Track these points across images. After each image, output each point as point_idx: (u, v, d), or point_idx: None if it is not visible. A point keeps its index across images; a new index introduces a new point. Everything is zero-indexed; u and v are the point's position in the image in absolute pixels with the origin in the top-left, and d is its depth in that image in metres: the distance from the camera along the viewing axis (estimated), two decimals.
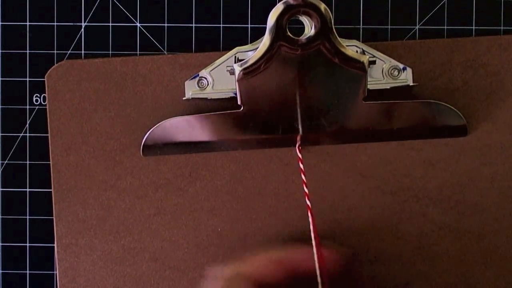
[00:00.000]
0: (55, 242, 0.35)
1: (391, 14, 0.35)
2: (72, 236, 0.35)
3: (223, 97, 0.33)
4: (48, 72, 0.35)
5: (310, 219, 0.33)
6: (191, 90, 0.34)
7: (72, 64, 0.35)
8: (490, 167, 0.35)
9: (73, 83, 0.35)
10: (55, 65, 0.35)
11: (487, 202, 0.35)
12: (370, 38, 0.35)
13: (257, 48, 0.32)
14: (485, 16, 0.35)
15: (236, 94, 0.33)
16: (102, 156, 0.35)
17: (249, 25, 0.36)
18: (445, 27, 0.35)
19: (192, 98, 0.34)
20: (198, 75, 0.34)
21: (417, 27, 0.36)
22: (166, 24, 0.36)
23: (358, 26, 0.35)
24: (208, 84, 0.34)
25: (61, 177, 0.35)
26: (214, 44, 0.36)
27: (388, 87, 0.34)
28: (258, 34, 0.35)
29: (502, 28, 0.35)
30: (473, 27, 0.35)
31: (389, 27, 0.35)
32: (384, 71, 0.34)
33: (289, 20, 0.31)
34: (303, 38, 0.31)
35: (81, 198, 0.35)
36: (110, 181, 0.35)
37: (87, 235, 0.35)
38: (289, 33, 0.31)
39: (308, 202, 0.33)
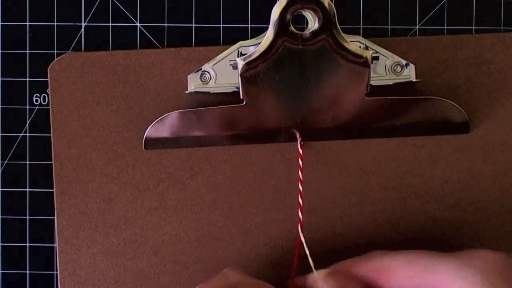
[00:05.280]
0: (56, 234, 0.35)
1: (391, 14, 0.35)
2: (73, 229, 0.35)
3: (226, 91, 0.33)
4: (51, 64, 0.35)
5: (300, 215, 0.33)
6: (193, 84, 0.34)
7: (75, 56, 0.35)
8: (492, 164, 0.35)
9: (75, 76, 0.35)
10: (58, 57, 0.35)
11: (488, 199, 0.35)
12: (370, 38, 0.35)
13: (260, 42, 0.32)
14: (485, 16, 0.35)
15: (238, 88, 0.33)
16: (104, 149, 0.35)
17: (249, 25, 0.36)
18: (445, 27, 0.35)
19: (194, 92, 0.34)
20: (201, 69, 0.34)
21: (417, 27, 0.35)
22: (166, 24, 0.36)
23: (358, 26, 0.35)
24: (210, 78, 0.34)
25: (63, 169, 0.35)
26: (214, 44, 0.36)
27: (391, 83, 0.34)
28: (258, 34, 0.35)
29: (502, 28, 0.35)
30: (473, 27, 0.35)
31: (389, 27, 0.35)
32: (387, 67, 0.34)
33: (292, 14, 0.31)
34: (306, 32, 0.31)
35: (83, 191, 0.35)
36: (112, 174, 0.35)
37: (88, 228, 0.35)
38: (292, 28, 0.31)
39: (300, 200, 0.33)
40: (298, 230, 0.35)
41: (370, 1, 0.35)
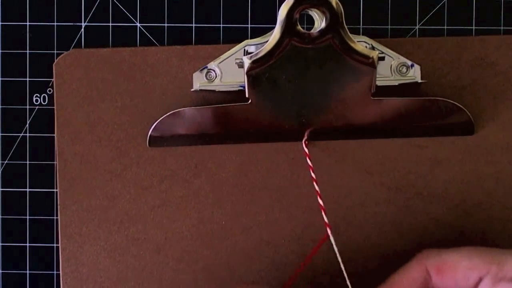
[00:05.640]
0: (59, 231, 0.35)
1: (391, 14, 0.36)
2: (76, 226, 0.35)
3: (231, 89, 0.33)
4: (56, 60, 0.35)
5: (324, 216, 0.32)
6: (199, 82, 0.34)
7: (80, 53, 0.35)
8: (496, 166, 0.35)
9: (81, 72, 0.35)
10: (64, 53, 0.35)
11: (491, 201, 0.35)
12: (370, 38, 0.35)
13: (266, 41, 0.32)
14: (485, 16, 0.36)
15: (244, 87, 0.33)
16: (108, 146, 0.35)
17: (249, 25, 0.36)
18: (445, 27, 0.35)
19: (200, 90, 0.34)
20: (206, 67, 0.34)
21: (417, 27, 0.36)
22: (166, 24, 0.36)
23: (358, 26, 0.35)
24: (216, 77, 0.34)
25: (67, 166, 0.35)
26: (214, 44, 0.36)
27: (396, 84, 0.34)
28: (258, 34, 0.35)
29: (502, 28, 0.36)
30: (473, 27, 0.35)
31: (389, 27, 0.35)
32: (393, 68, 0.34)
33: (300, 13, 0.31)
34: (313, 32, 0.31)
35: (86, 188, 0.35)
36: (116, 171, 0.35)
37: (91, 225, 0.35)
38: (299, 27, 0.31)
39: (321, 201, 0.32)
40: (302, 230, 0.35)
41: (370, 1, 0.36)
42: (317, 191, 0.33)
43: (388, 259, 0.35)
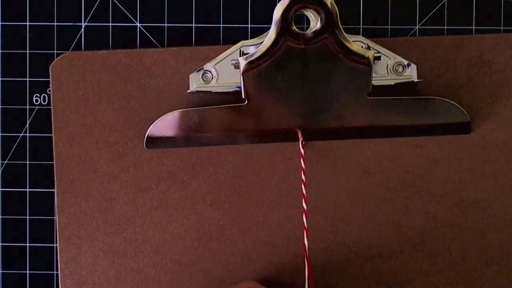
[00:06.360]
0: (57, 233, 0.35)
1: (391, 14, 0.35)
2: (74, 228, 0.35)
3: (227, 90, 0.33)
4: (53, 63, 0.35)
5: (304, 218, 0.32)
6: (195, 83, 0.34)
7: (76, 55, 0.35)
8: (493, 164, 0.35)
9: (77, 75, 0.35)
10: (60, 56, 0.35)
11: (489, 200, 0.35)
12: (370, 38, 0.35)
13: (262, 42, 0.32)
14: (485, 16, 0.35)
15: (240, 88, 0.33)
16: (105, 148, 0.35)
17: (249, 25, 0.36)
18: (445, 27, 0.35)
19: (196, 91, 0.34)
20: (202, 68, 0.34)
21: (417, 27, 0.36)
22: (166, 24, 0.36)
23: (358, 26, 0.35)
24: (212, 78, 0.34)
25: (64, 168, 0.35)
26: (214, 44, 0.36)
27: (393, 83, 0.34)
28: (258, 34, 0.35)
29: (502, 28, 0.36)
30: (473, 27, 0.35)
31: (389, 27, 0.35)
32: (389, 67, 0.34)
33: (295, 14, 0.31)
34: (308, 32, 0.31)
35: (84, 190, 0.35)
36: (113, 173, 0.35)
37: (89, 226, 0.35)
38: (294, 27, 0.31)
39: (304, 205, 0.33)
40: (299, 231, 0.35)
41: (370, 1, 0.36)
42: (303, 193, 0.33)
43: (387, 258, 0.35)
